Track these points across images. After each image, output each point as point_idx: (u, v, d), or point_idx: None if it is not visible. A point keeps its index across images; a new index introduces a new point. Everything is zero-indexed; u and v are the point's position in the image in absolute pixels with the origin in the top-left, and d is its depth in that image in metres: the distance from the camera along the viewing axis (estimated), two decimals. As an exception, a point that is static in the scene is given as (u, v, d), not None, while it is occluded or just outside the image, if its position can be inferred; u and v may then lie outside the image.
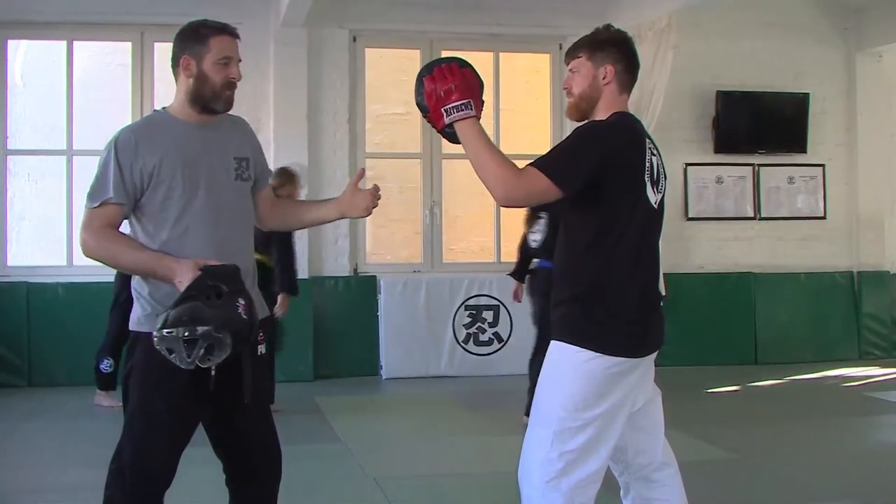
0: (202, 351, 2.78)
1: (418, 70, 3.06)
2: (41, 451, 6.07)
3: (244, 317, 2.85)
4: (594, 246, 2.94)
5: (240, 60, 3.09)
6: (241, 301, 2.86)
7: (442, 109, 2.90)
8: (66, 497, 4.94)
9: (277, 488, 3.25)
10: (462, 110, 2.89)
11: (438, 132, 3.00)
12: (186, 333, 2.76)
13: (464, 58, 3.05)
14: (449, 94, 2.90)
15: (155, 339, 2.80)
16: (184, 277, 2.85)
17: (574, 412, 2.90)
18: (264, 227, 3.46)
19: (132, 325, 3.05)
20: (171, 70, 3.10)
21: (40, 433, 6.60)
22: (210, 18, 3.15)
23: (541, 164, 2.87)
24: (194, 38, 3.03)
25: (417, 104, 3.00)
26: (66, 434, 6.52)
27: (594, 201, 2.92)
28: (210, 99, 3.04)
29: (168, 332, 2.77)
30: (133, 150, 2.96)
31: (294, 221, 3.58)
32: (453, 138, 2.96)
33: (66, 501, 4.88)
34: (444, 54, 9.28)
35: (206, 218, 3.02)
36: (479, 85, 2.99)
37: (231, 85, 3.06)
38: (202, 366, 2.81)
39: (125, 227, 3.07)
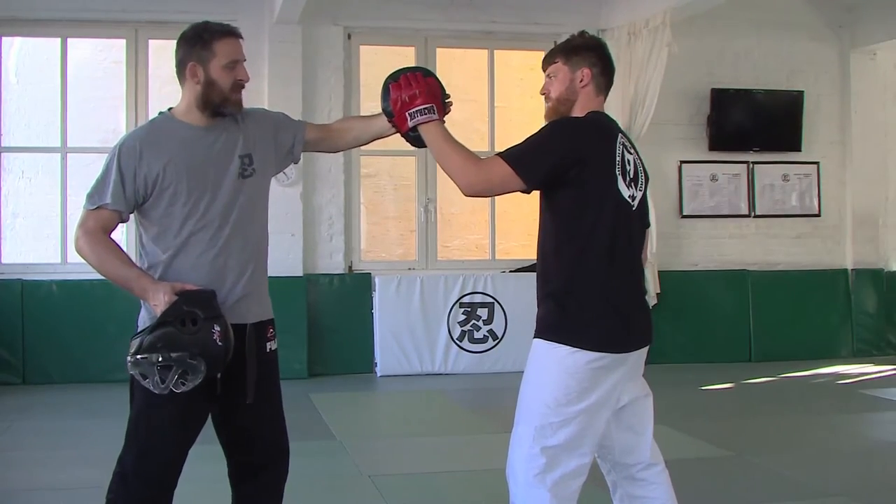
0: (176, 377, 2.79)
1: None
2: (35, 449, 6.06)
3: (219, 343, 2.86)
4: (566, 242, 2.99)
5: (244, 60, 3.09)
6: (217, 328, 2.87)
7: (406, 113, 3.09)
8: (60, 495, 4.92)
9: (283, 485, 3.25)
10: (426, 114, 3.07)
11: (402, 135, 3.19)
12: (161, 359, 2.78)
13: (428, 68, 3.30)
14: (413, 99, 3.08)
15: (129, 363, 2.81)
16: (157, 301, 2.87)
17: (556, 408, 2.93)
18: (340, 150, 3.57)
19: (139, 328, 3.04)
20: (175, 74, 3.08)
21: (34, 431, 6.58)
22: (205, 15, 3.16)
23: (506, 153, 2.98)
24: (199, 43, 3.01)
25: (383, 109, 3.20)
26: (61, 432, 6.50)
27: (563, 196, 2.98)
28: (219, 104, 3.04)
29: (142, 358, 2.79)
30: (137, 157, 2.97)
31: (361, 140, 3.43)
32: (417, 142, 3.15)
33: (61, 500, 4.86)
34: (439, 52, 9.38)
35: (212, 222, 3.02)
36: (442, 93, 3.17)
37: (239, 86, 3.07)
38: (176, 391, 2.81)
39: (131, 228, 3.08)
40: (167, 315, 2.83)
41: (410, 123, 3.08)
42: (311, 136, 3.36)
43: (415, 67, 3.24)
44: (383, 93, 3.17)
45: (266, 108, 8.79)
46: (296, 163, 3.42)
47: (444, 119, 3.14)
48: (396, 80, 3.14)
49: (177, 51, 3.06)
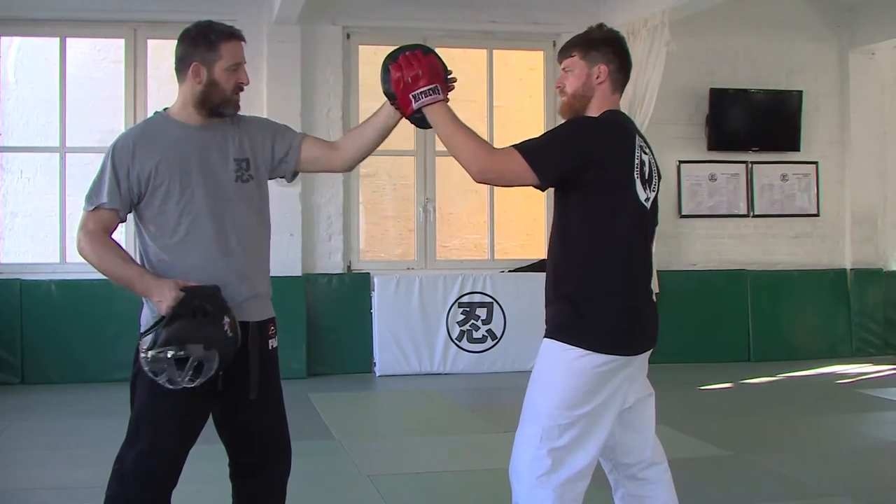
0: (191, 371, 2.79)
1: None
2: (34, 449, 6.05)
3: (230, 335, 2.88)
4: (582, 243, 2.96)
5: (245, 63, 3.09)
6: (227, 319, 2.88)
7: (410, 96, 3.00)
8: (59, 495, 4.92)
9: (285, 483, 3.25)
10: (430, 95, 2.98)
11: (406, 118, 3.10)
12: (181, 353, 2.78)
13: (428, 45, 3.20)
14: (416, 80, 2.99)
15: (144, 360, 2.80)
16: (163, 297, 2.86)
17: (563, 409, 2.91)
18: (346, 168, 3.36)
19: (143, 329, 3.03)
20: (174, 71, 3.07)
21: (33, 431, 6.57)
22: (203, 15, 3.16)
23: (523, 146, 2.91)
24: (205, 43, 3.00)
25: (385, 92, 3.10)
26: (60, 432, 6.50)
27: (581, 198, 2.94)
28: (219, 104, 3.04)
29: (159, 352, 2.78)
30: (130, 155, 2.97)
31: (369, 143, 3.27)
32: (422, 123, 3.05)
33: (60, 499, 4.85)
34: (438, 51, 9.32)
35: (207, 221, 3.02)
36: (444, 70, 3.08)
37: (240, 89, 3.07)
38: (188, 386, 2.80)
39: (130, 227, 3.08)
40: (179, 309, 2.83)
41: (415, 106, 2.99)
42: (310, 151, 3.25)
43: (414, 45, 3.13)
44: (383, 73, 3.08)
45: (265, 107, 8.86)
46: (288, 179, 3.28)
47: (449, 97, 3.05)
48: (396, 61, 3.04)
49: (178, 48, 3.06)
